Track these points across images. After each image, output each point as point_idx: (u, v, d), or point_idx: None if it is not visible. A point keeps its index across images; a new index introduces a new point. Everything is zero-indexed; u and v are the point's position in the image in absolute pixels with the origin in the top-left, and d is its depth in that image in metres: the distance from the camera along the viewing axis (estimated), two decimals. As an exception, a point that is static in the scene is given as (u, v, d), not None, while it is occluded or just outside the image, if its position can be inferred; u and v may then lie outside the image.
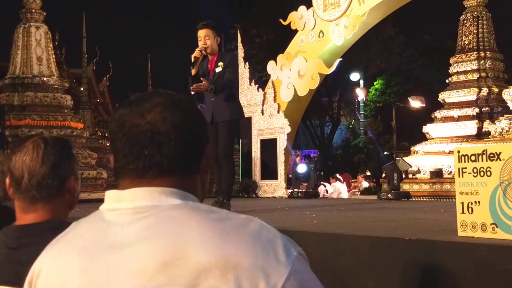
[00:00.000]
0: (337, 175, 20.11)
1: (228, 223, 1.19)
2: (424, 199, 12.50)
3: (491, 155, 3.12)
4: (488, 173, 3.13)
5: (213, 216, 1.21)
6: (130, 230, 1.20)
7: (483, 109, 13.80)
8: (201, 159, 1.32)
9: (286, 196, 13.26)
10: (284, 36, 16.59)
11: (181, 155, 1.27)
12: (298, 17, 14.39)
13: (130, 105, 1.31)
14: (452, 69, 14.79)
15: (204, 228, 1.17)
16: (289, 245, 1.19)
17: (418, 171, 13.70)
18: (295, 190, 12.98)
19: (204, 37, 7.15)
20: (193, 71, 7.13)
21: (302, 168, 12.89)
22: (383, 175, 11.20)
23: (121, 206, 1.24)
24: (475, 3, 14.56)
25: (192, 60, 7.08)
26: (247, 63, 14.88)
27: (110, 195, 1.29)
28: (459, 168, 3.28)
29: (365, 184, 18.86)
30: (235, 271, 1.11)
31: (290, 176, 14.66)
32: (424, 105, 23.86)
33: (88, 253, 1.21)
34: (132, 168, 1.26)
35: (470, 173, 3.22)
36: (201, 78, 7.14)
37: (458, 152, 3.28)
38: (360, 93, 32.19)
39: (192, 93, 7.40)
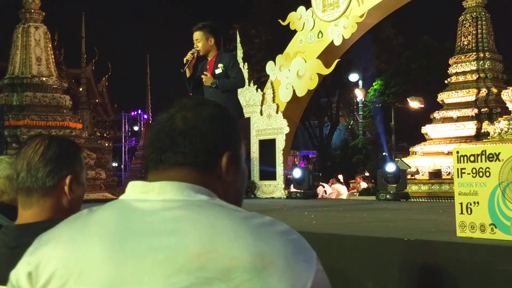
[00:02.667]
0: (339, 176, 20.11)
1: (257, 222, 1.23)
2: (423, 200, 12.51)
3: (490, 156, 3.12)
4: (487, 174, 3.13)
5: (241, 215, 1.24)
6: (160, 220, 1.22)
7: (482, 109, 13.81)
8: (218, 162, 1.36)
9: (285, 196, 13.26)
10: (283, 37, 16.58)
11: (192, 153, 1.32)
12: (297, 18, 14.39)
13: (166, 107, 1.41)
14: (451, 70, 14.80)
15: (236, 224, 1.20)
16: (310, 247, 1.24)
17: (417, 172, 13.71)
18: (293, 190, 12.99)
19: (196, 40, 7.15)
20: (187, 73, 7.12)
21: (297, 173, 12.93)
22: (385, 176, 11.13)
23: (150, 198, 1.28)
24: (474, 4, 14.57)
25: (184, 62, 7.09)
26: (246, 64, 14.88)
27: (136, 186, 1.33)
28: (458, 169, 3.28)
29: (363, 185, 18.84)
30: (270, 269, 1.15)
31: (289, 176, 14.67)
32: (423, 105, 23.86)
33: (114, 239, 1.21)
34: (151, 160, 1.35)
35: (469, 174, 3.22)
36: (202, 75, 7.12)
37: (457, 152, 3.28)
38: (359, 94, 32.19)
39: (190, 94, 7.40)
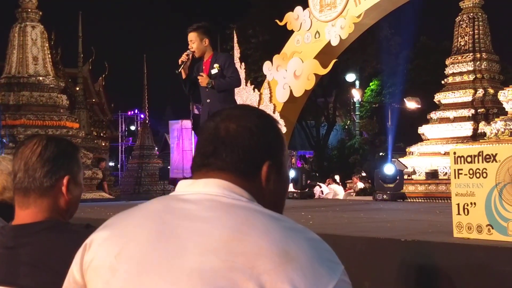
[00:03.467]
0: (336, 176, 20.10)
1: (289, 225, 1.30)
2: (419, 200, 12.51)
3: (487, 157, 3.13)
4: (484, 175, 3.13)
5: (275, 216, 1.32)
6: (199, 208, 1.32)
7: (478, 110, 13.82)
8: (259, 170, 1.43)
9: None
10: (280, 37, 16.59)
11: (233, 161, 1.41)
12: (294, 18, 14.40)
13: (214, 114, 1.50)
14: (448, 70, 14.81)
15: (267, 222, 1.28)
16: (338, 260, 1.29)
17: (414, 172, 13.72)
18: (290, 190, 13.00)
19: (190, 41, 7.13)
20: (183, 75, 7.12)
21: (292, 173, 13.00)
22: (382, 177, 11.14)
23: (193, 191, 1.39)
24: (471, 4, 14.57)
25: (179, 63, 7.08)
26: (243, 64, 14.88)
27: (184, 183, 1.44)
28: (455, 170, 3.28)
29: (360, 185, 18.84)
30: (294, 265, 1.20)
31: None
32: (419, 106, 23.91)
33: (156, 221, 1.33)
34: (195, 162, 1.45)
35: (466, 175, 3.22)
36: (198, 76, 7.11)
37: (454, 153, 3.29)
38: (356, 94, 32.21)
39: (188, 95, 7.42)
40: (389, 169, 11.21)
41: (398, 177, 11.01)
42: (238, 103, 9.12)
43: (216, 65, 7.12)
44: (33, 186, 2.04)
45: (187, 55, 7.07)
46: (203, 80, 7.03)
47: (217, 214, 1.29)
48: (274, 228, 1.26)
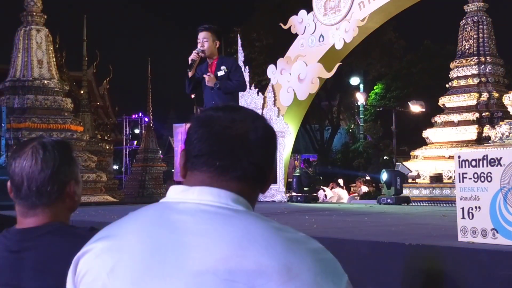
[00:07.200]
0: (339, 180, 20.09)
1: (290, 236, 1.25)
2: (424, 204, 12.49)
3: (492, 160, 3.12)
4: (489, 179, 3.12)
5: (275, 226, 1.26)
6: (195, 220, 1.26)
7: (483, 114, 13.78)
8: (266, 177, 1.40)
9: (286, 200, 13.25)
10: (284, 40, 16.58)
11: (260, 166, 1.36)
12: (298, 21, 14.39)
13: (220, 110, 1.39)
14: (452, 74, 14.78)
15: (268, 234, 1.22)
16: (342, 270, 1.25)
17: (418, 176, 13.69)
18: (294, 194, 13.00)
19: (203, 39, 7.10)
20: (190, 73, 7.11)
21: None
22: (384, 179, 11.18)
23: (188, 200, 1.32)
24: (476, 8, 14.55)
25: (190, 62, 7.06)
26: (247, 67, 14.87)
27: (176, 189, 1.37)
28: (459, 173, 3.28)
29: (364, 189, 18.83)
30: (296, 282, 1.15)
31: (289, 180, 14.67)
32: (424, 109, 23.83)
33: (150, 236, 1.27)
34: (219, 165, 1.34)
35: (470, 178, 3.21)
36: (205, 75, 7.08)
37: (459, 157, 3.28)
38: (360, 98, 32.17)
39: (192, 96, 7.40)
40: (383, 176, 11.37)
41: (392, 182, 11.09)
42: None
43: (223, 67, 7.11)
44: (41, 200, 2.01)
45: (197, 53, 7.06)
46: (210, 79, 7.00)
47: (214, 227, 1.23)
48: (275, 241, 1.20)
